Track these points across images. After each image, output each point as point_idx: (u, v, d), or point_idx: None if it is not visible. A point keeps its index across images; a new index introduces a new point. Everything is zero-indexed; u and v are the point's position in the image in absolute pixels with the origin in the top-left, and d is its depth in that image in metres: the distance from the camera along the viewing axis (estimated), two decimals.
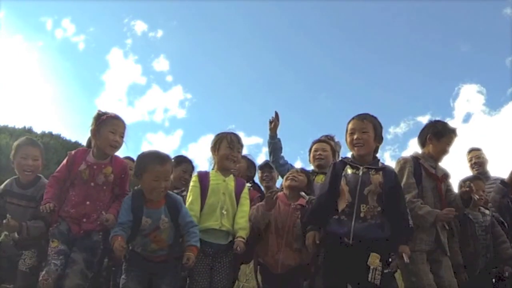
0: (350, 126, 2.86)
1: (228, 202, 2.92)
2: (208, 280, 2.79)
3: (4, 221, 2.81)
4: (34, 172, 3.18)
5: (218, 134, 3.10)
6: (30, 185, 3.16)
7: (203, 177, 2.98)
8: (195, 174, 3.10)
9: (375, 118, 2.87)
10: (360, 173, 2.72)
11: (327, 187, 2.81)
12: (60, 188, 2.83)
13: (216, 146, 3.05)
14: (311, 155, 3.56)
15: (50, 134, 27.05)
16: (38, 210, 2.83)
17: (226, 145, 3.01)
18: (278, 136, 3.84)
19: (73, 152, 2.94)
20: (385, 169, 2.78)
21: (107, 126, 2.84)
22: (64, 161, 2.91)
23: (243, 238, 2.82)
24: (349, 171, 2.77)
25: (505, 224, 3.88)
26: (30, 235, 2.93)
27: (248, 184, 3.36)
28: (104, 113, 2.88)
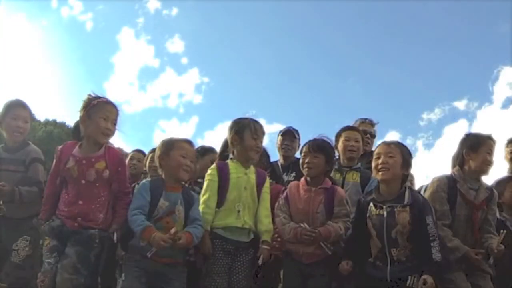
0: (376, 150, 2.77)
1: (249, 197, 2.74)
2: (227, 280, 2.62)
3: None
4: (23, 134, 3.15)
5: (238, 122, 2.83)
6: (18, 149, 3.11)
7: (222, 169, 2.75)
8: (213, 165, 2.84)
9: (404, 146, 2.76)
10: (384, 213, 2.57)
11: (353, 228, 2.75)
12: (56, 189, 2.67)
13: (238, 135, 2.78)
14: (301, 160, 2.98)
15: (54, 122, 26.87)
16: (27, 175, 3.00)
17: (250, 135, 2.75)
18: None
19: (59, 147, 2.73)
20: (413, 204, 2.56)
21: (99, 112, 2.60)
22: (54, 159, 2.71)
23: (268, 244, 2.68)
24: (373, 211, 2.63)
25: None
26: (23, 200, 2.90)
27: None
28: (96, 97, 2.66)
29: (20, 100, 3.21)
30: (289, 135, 3.82)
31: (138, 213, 2.47)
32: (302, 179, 2.89)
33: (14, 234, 2.98)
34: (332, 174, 3.01)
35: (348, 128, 3.37)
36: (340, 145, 3.25)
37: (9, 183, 2.92)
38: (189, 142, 2.71)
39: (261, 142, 2.84)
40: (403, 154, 2.67)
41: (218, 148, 3.43)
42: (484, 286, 2.81)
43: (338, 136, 3.31)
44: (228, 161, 2.83)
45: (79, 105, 2.64)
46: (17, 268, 2.89)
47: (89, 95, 2.67)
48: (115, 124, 2.68)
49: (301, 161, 2.90)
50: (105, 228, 2.57)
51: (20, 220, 3.00)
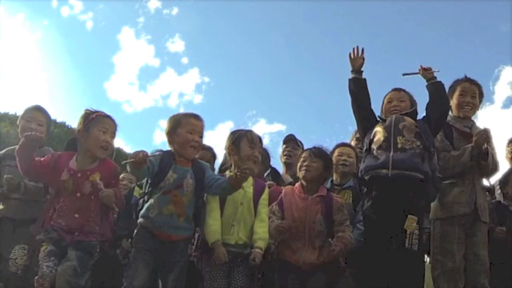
0: (388, 96, 3.03)
1: (245, 212, 2.69)
2: (226, 283, 2.58)
3: (5, 176, 2.78)
4: None
5: (235, 132, 2.85)
6: None
7: None
8: None
9: (411, 94, 3.04)
10: (393, 117, 2.81)
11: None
12: (33, 165, 2.57)
13: (235, 145, 2.77)
14: (299, 164, 2.92)
15: (54, 122, 26.79)
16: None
17: (247, 145, 2.75)
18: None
19: (56, 154, 2.71)
20: (418, 119, 2.85)
21: (97, 125, 2.62)
22: (48, 155, 2.69)
23: (261, 249, 2.62)
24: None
25: None
26: (28, 194, 2.84)
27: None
28: (94, 111, 2.68)
29: (37, 104, 3.22)
30: (291, 143, 3.77)
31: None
32: (297, 184, 2.88)
33: (10, 240, 2.93)
34: None
35: (341, 145, 3.44)
36: (333, 160, 3.23)
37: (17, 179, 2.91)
38: (196, 117, 2.69)
39: (259, 152, 2.82)
40: (411, 101, 2.98)
41: (217, 149, 3.48)
42: (481, 237, 2.87)
43: (331, 152, 3.31)
44: (227, 173, 2.79)
45: (82, 105, 2.69)
46: (14, 275, 2.85)
47: (87, 110, 2.69)
48: (113, 137, 2.69)
49: (299, 165, 2.89)
50: (103, 238, 2.60)
51: (16, 225, 2.94)
